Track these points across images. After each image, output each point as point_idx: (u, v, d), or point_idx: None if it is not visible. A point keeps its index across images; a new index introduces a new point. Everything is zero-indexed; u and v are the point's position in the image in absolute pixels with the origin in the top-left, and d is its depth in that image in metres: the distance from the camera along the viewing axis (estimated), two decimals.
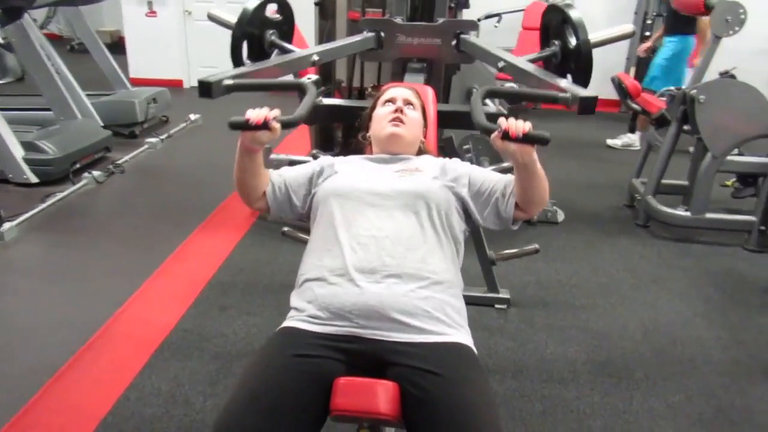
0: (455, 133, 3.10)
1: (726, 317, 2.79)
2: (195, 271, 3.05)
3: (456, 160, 1.72)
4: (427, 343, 1.34)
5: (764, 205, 3.41)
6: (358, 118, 1.97)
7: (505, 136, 1.33)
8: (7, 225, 3.32)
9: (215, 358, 2.36)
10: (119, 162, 4.54)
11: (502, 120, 1.36)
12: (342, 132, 3.80)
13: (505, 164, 2.83)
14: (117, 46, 7.95)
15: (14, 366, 2.30)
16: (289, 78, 2.35)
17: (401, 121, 1.69)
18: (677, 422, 2.12)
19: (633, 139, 5.51)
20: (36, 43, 4.51)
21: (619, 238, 3.61)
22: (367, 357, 1.34)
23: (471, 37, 2.53)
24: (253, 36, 2.60)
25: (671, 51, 5.02)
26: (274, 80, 1.65)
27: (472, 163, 1.76)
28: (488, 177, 1.59)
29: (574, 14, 2.23)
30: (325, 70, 3.73)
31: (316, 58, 2.35)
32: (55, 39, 8.19)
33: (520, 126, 1.34)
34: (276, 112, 1.44)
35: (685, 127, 3.52)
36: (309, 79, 2.32)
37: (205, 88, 1.84)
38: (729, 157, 3.43)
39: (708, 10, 3.60)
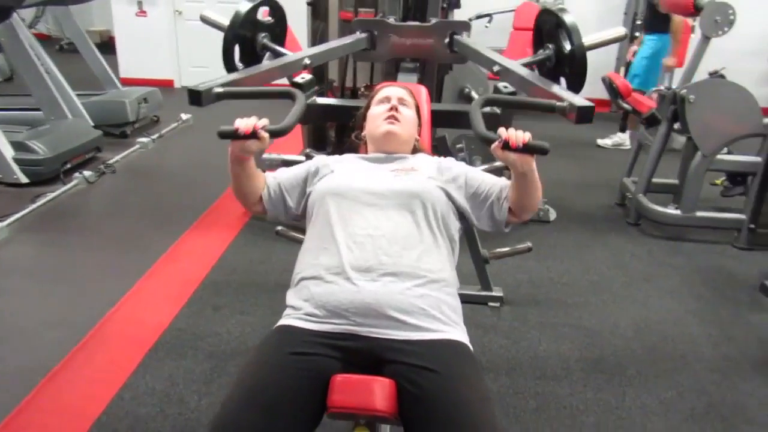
0: (448, 132, 3.11)
1: (716, 314, 2.82)
2: (188, 271, 3.04)
3: (451, 160, 1.73)
4: (424, 340, 1.35)
5: (753, 204, 3.45)
6: (352, 117, 1.98)
7: (506, 146, 1.35)
8: None
9: (209, 357, 2.36)
10: (110, 162, 4.52)
11: (502, 130, 1.38)
12: (335, 131, 3.81)
13: (498, 163, 2.84)
14: (107, 45, 7.90)
15: (6, 366, 2.29)
16: (282, 81, 2.36)
17: (396, 119, 1.70)
18: (669, 418, 2.14)
19: (623, 139, 5.55)
20: (25, 43, 4.48)
21: (611, 237, 3.64)
22: (364, 354, 1.35)
23: (464, 38, 2.55)
24: (245, 39, 2.60)
25: (651, 49, 5.09)
26: (264, 88, 1.67)
27: (465, 161, 1.77)
28: (484, 180, 1.61)
29: (568, 19, 2.25)
30: (318, 70, 3.73)
31: (307, 61, 2.35)
32: (43, 39, 8.14)
33: (520, 136, 1.36)
34: (264, 122, 1.45)
35: (676, 127, 3.55)
36: (303, 78, 2.34)
37: (195, 97, 1.84)
38: (718, 156, 3.46)
39: (697, 10, 3.64)
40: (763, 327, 2.72)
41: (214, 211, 3.80)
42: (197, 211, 3.75)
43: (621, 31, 2.49)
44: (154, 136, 5.24)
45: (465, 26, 2.61)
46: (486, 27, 6.50)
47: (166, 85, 7.08)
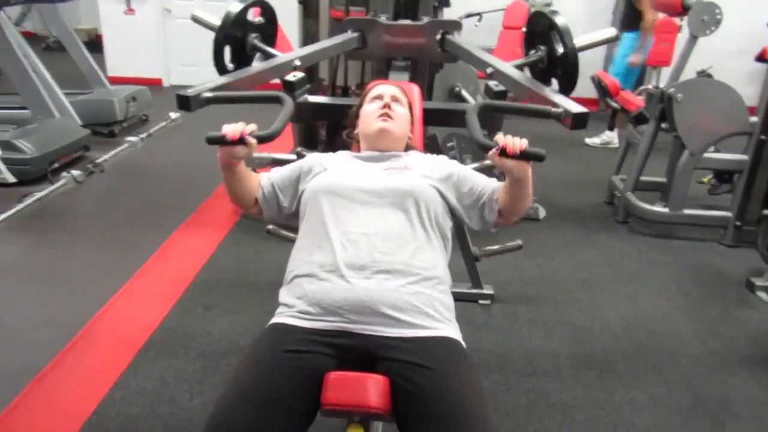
0: (438, 130, 3.12)
1: (704, 311, 2.85)
2: (178, 271, 3.03)
3: (443, 158, 1.75)
4: (417, 337, 1.36)
5: (739, 201, 3.49)
6: (344, 115, 1.98)
7: (503, 153, 1.37)
8: None
9: (201, 356, 2.36)
10: (99, 161, 4.49)
11: (499, 137, 1.40)
12: (326, 130, 3.80)
13: (488, 162, 2.86)
14: (94, 44, 7.83)
15: None
16: (275, 80, 2.36)
17: (390, 117, 1.71)
18: (658, 413, 2.16)
19: (612, 137, 5.59)
20: (12, 41, 4.45)
21: (600, 235, 3.67)
22: (358, 352, 1.35)
23: (456, 38, 2.56)
24: (236, 39, 2.60)
25: (630, 48, 5.16)
26: (252, 93, 1.68)
27: (456, 160, 1.78)
28: (477, 181, 1.62)
29: (560, 21, 2.27)
30: (308, 68, 3.74)
31: (297, 63, 2.36)
32: (29, 37, 8.05)
33: (517, 143, 1.38)
34: (252, 127, 1.46)
35: (663, 125, 3.58)
36: (294, 77, 2.34)
37: (183, 102, 1.84)
38: (705, 155, 3.49)
39: (685, 10, 3.68)
40: (749, 323, 2.76)
41: (204, 210, 3.79)
42: (187, 210, 3.73)
43: (611, 32, 2.53)
44: (143, 135, 5.21)
45: (456, 25, 2.62)
46: (476, 26, 6.51)
47: (154, 84, 7.04)
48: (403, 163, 1.66)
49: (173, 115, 5.75)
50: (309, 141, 3.95)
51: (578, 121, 1.77)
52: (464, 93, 4.08)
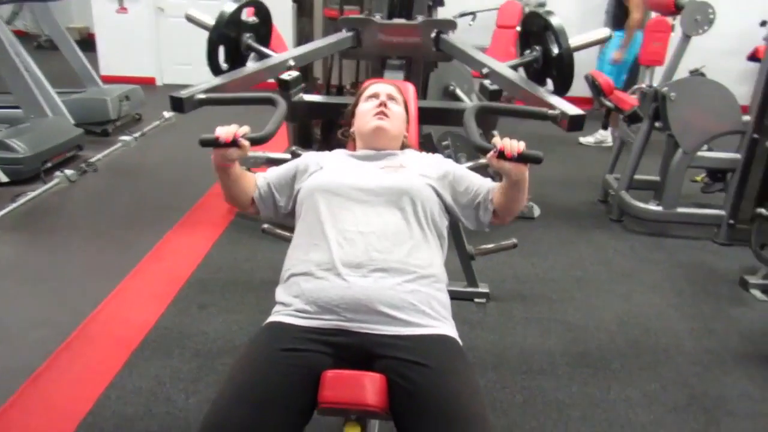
0: (433, 129, 3.12)
1: (698, 308, 2.87)
2: (173, 270, 3.02)
3: (439, 157, 1.75)
4: (414, 335, 1.36)
5: (732, 200, 3.51)
6: (339, 114, 1.98)
7: (501, 155, 1.38)
8: None
9: (196, 355, 2.35)
10: (92, 160, 4.47)
11: (497, 140, 1.41)
12: (320, 129, 3.80)
13: (482, 160, 2.86)
14: (86, 43, 7.79)
15: None
16: (270, 79, 2.36)
17: (386, 115, 1.71)
18: (653, 410, 2.17)
19: (605, 136, 5.61)
20: (4, 40, 4.42)
21: (594, 233, 3.68)
22: (355, 350, 1.35)
23: (451, 37, 2.56)
24: (230, 39, 2.59)
25: (619, 45, 5.19)
26: (246, 95, 1.69)
27: (451, 158, 1.79)
28: (472, 180, 1.63)
29: (555, 21, 2.28)
30: (302, 68, 3.74)
31: (292, 63, 2.36)
32: (21, 36, 8.01)
33: (515, 146, 1.38)
34: (245, 129, 1.46)
35: (657, 124, 3.59)
36: (290, 76, 2.34)
37: (177, 104, 1.84)
38: (699, 153, 3.51)
39: (678, 9, 3.70)
40: (743, 321, 2.77)
41: (198, 209, 3.78)
42: (181, 210, 3.72)
43: (605, 32, 2.54)
44: (137, 135, 5.19)
45: (451, 25, 2.62)
46: (470, 25, 6.52)
47: (147, 83, 7.01)
48: (399, 162, 1.66)
49: (167, 114, 5.74)
50: (304, 140, 3.95)
51: (574, 124, 1.79)
52: (458, 92, 4.08)
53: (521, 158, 1.38)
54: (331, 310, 1.37)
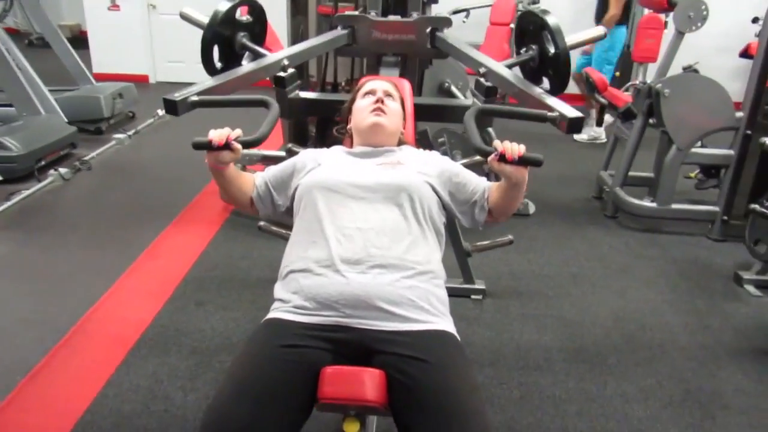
0: (429, 125, 3.12)
1: (692, 304, 2.88)
2: (169, 268, 3.01)
3: (436, 154, 1.76)
4: (413, 331, 1.36)
5: (726, 196, 3.53)
6: (335, 111, 1.99)
7: (502, 158, 1.39)
8: None
9: (193, 353, 2.35)
10: (86, 159, 4.45)
11: (497, 143, 1.42)
12: (316, 126, 3.80)
13: (477, 158, 2.87)
14: (78, 40, 7.76)
15: None
16: (267, 78, 2.36)
17: (383, 111, 1.72)
18: (649, 405, 2.18)
19: (599, 132, 5.63)
20: None
21: (589, 229, 3.69)
22: (354, 346, 1.36)
23: (446, 35, 2.57)
24: (224, 39, 2.59)
25: (608, 42, 5.22)
26: (239, 97, 1.69)
27: (446, 155, 1.80)
28: (469, 179, 1.64)
29: (551, 21, 2.29)
30: (297, 65, 3.73)
31: (286, 62, 2.36)
32: (12, 33, 7.97)
33: (515, 149, 1.40)
34: (237, 132, 1.47)
35: (651, 121, 3.61)
36: (285, 73, 2.33)
37: (171, 106, 1.85)
38: (693, 150, 3.52)
39: (671, 6, 3.71)
40: (737, 316, 2.79)
41: (194, 207, 3.77)
42: (177, 208, 3.71)
43: (600, 30, 2.55)
44: (131, 132, 5.17)
45: (446, 22, 2.63)
46: (463, 22, 6.52)
47: (140, 81, 6.97)
48: (396, 159, 1.67)
49: (160, 112, 5.70)
50: (299, 137, 3.94)
51: (573, 126, 1.81)
52: (453, 89, 4.10)
53: (522, 161, 1.40)
54: (330, 307, 1.37)
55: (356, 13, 2.80)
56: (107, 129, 5.20)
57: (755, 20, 5.81)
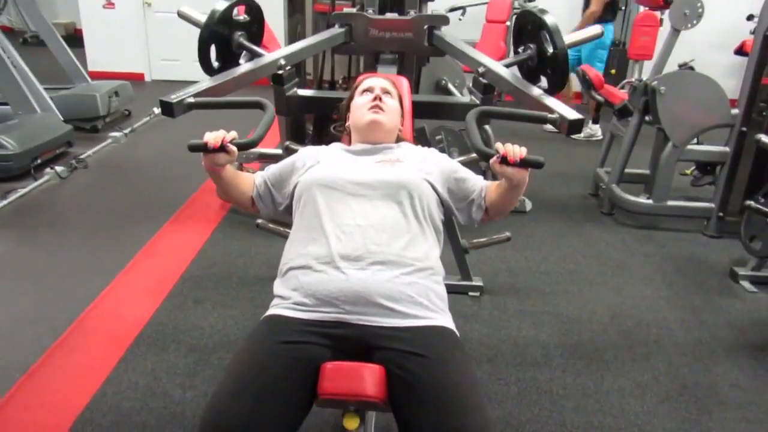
0: (426, 123, 3.13)
1: (688, 300, 2.90)
2: (167, 266, 3.01)
3: (434, 151, 1.76)
4: (412, 327, 1.37)
5: (722, 193, 3.54)
6: (333, 109, 1.99)
7: (503, 160, 1.41)
8: None
9: (192, 350, 2.35)
10: (82, 157, 4.44)
11: (499, 145, 1.43)
12: (313, 124, 3.80)
13: (474, 155, 2.88)
14: (73, 38, 7.72)
15: None
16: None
17: (381, 109, 1.72)
18: (645, 400, 2.20)
19: (595, 130, 5.65)
20: None
21: (585, 226, 3.71)
22: (354, 342, 1.36)
23: (444, 33, 2.57)
24: (221, 38, 2.59)
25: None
26: (235, 99, 1.70)
27: (444, 153, 1.80)
28: (467, 177, 1.65)
29: (550, 21, 2.30)
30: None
31: (283, 62, 2.36)
32: (6, 31, 7.92)
33: (517, 151, 1.41)
34: (232, 134, 1.48)
35: (647, 118, 3.62)
36: (284, 70, 2.33)
37: (167, 108, 1.85)
38: (688, 147, 3.54)
39: (667, 3, 3.72)
40: (732, 312, 2.81)
41: (191, 205, 3.77)
42: (174, 206, 3.71)
43: (597, 29, 2.57)
44: (127, 131, 5.16)
45: (443, 20, 2.63)
46: (459, 19, 6.53)
47: (136, 79, 6.95)
48: (395, 156, 1.67)
49: (156, 110, 5.69)
50: (296, 135, 3.94)
51: (574, 128, 1.82)
52: (450, 86, 4.10)
53: (523, 163, 1.41)
54: (330, 303, 1.38)
55: (353, 10, 2.81)
56: (103, 127, 5.19)
57: (750, 17, 5.83)
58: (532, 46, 2.45)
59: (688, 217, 3.70)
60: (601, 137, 5.43)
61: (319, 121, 3.62)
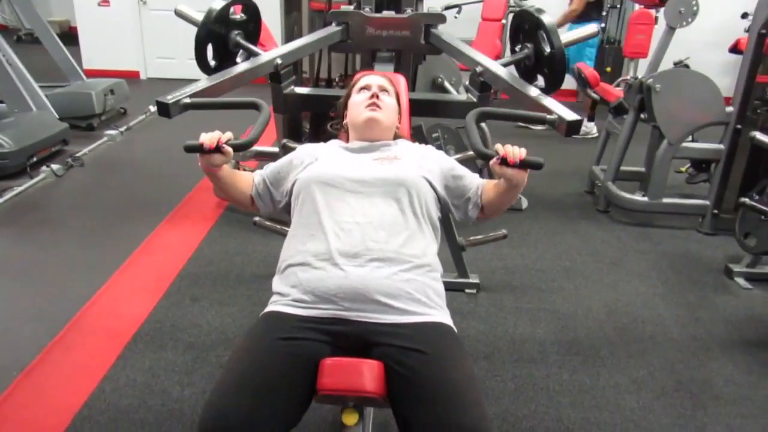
0: (423, 120, 3.14)
1: (683, 296, 2.92)
2: (164, 264, 3.01)
3: (431, 149, 1.77)
4: (410, 323, 1.38)
5: (717, 190, 3.56)
6: (330, 106, 1.99)
7: (503, 161, 1.42)
8: None
9: (190, 347, 2.35)
10: (78, 155, 4.43)
11: (499, 147, 1.44)
12: (310, 122, 3.80)
13: (470, 153, 2.89)
14: (68, 36, 7.71)
15: None
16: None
17: (378, 107, 1.73)
18: (641, 396, 2.21)
19: (591, 127, 5.66)
20: None
21: (581, 224, 3.72)
22: (353, 338, 1.37)
23: (441, 32, 2.58)
24: (218, 37, 2.59)
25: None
26: (231, 99, 1.70)
27: (440, 150, 1.81)
28: (464, 175, 1.66)
29: (547, 20, 2.31)
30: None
31: (279, 61, 2.36)
32: (1, 29, 7.91)
33: (516, 152, 1.43)
34: (228, 135, 1.49)
35: (642, 116, 3.64)
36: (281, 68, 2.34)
37: (163, 108, 1.85)
38: (683, 144, 3.56)
39: (662, 1, 3.74)
40: (727, 308, 2.83)
41: (188, 202, 3.77)
42: (171, 204, 3.71)
43: (593, 28, 2.59)
44: (122, 129, 5.15)
45: (440, 18, 2.64)
46: (455, 17, 6.53)
47: (131, 77, 6.93)
48: (393, 153, 1.68)
49: (152, 108, 5.68)
50: (293, 133, 3.94)
51: (572, 128, 1.83)
52: (446, 84, 4.11)
53: (523, 165, 1.42)
54: (329, 300, 1.38)
55: (350, 9, 2.81)
56: (99, 125, 5.18)
57: (745, 16, 5.87)
58: (529, 45, 2.46)
59: (683, 215, 3.72)
60: (596, 135, 5.44)
61: (315, 119, 3.63)
